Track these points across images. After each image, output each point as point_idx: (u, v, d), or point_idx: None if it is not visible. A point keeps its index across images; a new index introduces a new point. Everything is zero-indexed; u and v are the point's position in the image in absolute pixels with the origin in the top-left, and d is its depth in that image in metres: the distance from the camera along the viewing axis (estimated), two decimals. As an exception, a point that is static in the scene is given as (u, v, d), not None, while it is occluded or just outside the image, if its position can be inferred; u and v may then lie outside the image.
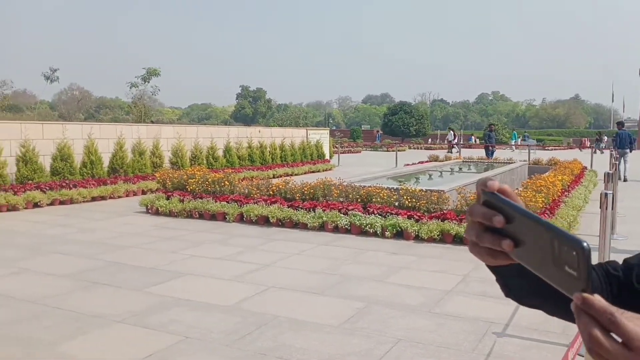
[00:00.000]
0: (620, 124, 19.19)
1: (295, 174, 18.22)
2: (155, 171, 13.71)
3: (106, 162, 13.47)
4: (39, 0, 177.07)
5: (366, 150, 41.69)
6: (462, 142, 40.86)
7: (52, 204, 10.69)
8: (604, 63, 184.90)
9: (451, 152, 32.49)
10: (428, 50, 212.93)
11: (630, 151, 17.88)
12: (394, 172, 14.39)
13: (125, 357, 3.82)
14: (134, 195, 12.30)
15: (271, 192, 9.68)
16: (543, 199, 8.51)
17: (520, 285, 0.76)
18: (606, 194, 4.95)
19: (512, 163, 17.13)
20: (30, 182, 11.34)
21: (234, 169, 16.14)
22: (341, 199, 8.99)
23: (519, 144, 44.00)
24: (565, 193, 10.81)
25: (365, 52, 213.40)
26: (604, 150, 37.25)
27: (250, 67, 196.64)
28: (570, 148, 49.92)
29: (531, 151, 26.59)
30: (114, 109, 72.25)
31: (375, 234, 7.89)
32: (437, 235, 7.54)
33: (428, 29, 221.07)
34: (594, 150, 25.22)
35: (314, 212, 8.60)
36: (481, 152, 26.10)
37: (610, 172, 7.82)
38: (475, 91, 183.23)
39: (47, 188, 11.02)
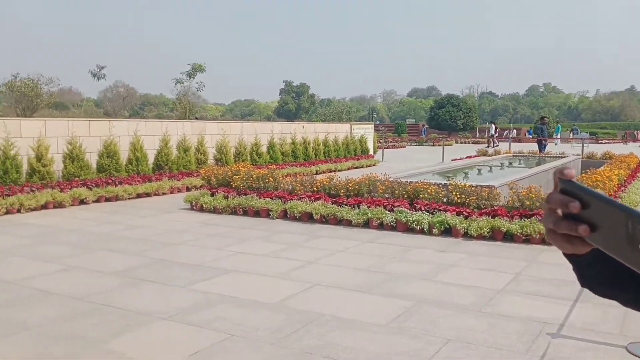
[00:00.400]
0: None
1: (339, 170, 18.10)
2: (199, 168, 13.79)
3: (151, 159, 13.63)
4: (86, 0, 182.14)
5: (411, 145, 41.04)
6: (507, 137, 39.75)
7: (97, 200, 10.87)
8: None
9: (489, 147, 31.57)
10: (475, 41, 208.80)
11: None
12: (441, 167, 14.12)
13: (171, 355, 3.81)
14: (178, 191, 12.44)
15: (315, 189, 9.60)
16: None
17: (597, 275, 0.77)
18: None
19: (564, 157, 16.56)
20: (76, 179, 11.51)
21: (278, 165, 16.12)
22: (387, 195, 8.84)
23: (563, 137, 42.49)
24: (622, 188, 10.53)
25: (410, 45, 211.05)
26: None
27: (293, 62, 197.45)
28: (624, 142, 48.04)
29: (584, 145, 25.75)
30: (158, 106, 73.36)
31: (422, 231, 7.71)
32: (487, 233, 7.31)
33: (475, 18, 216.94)
34: None
35: (359, 208, 8.49)
36: (523, 146, 25.32)
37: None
38: (526, 83, 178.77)
39: (93, 185, 11.16)
